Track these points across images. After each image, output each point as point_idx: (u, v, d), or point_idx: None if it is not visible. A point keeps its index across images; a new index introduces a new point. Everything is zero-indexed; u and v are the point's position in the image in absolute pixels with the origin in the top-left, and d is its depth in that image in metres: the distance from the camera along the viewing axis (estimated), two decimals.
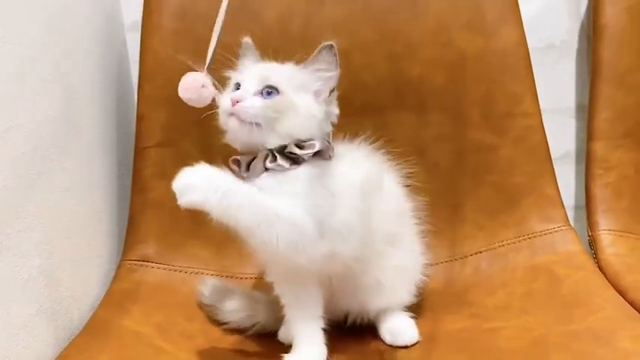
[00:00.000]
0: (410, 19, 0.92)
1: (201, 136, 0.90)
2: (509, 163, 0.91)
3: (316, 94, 0.66)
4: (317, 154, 0.64)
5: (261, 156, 0.64)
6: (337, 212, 0.63)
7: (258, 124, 0.62)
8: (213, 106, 0.66)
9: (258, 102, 0.63)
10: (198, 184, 0.60)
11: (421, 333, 0.74)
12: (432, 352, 0.72)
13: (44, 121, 0.73)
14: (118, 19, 1.03)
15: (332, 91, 0.66)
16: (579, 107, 1.07)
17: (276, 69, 0.66)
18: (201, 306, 0.83)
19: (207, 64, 0.66)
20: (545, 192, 0.90)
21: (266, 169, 0.63)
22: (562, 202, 0.90)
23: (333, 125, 0.67)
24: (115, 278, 0.87)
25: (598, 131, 0.90)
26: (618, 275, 0.79)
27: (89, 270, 0.84)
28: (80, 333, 0.75)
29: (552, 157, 0.93)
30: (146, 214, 0.91)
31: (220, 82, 0.68)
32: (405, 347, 0.73)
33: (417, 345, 0.74)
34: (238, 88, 0.65)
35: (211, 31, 0.89)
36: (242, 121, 0.62)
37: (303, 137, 0.64)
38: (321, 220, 0.61)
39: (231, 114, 0.63)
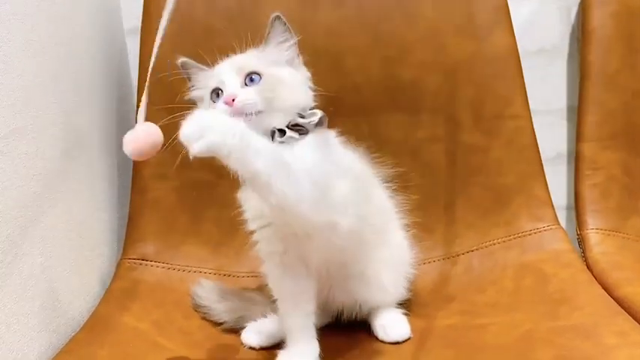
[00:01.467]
0: (403, 24, 0.94)
1: None
2: (499, 164, 0.93)
3: (288, 63, 0.68)
4: (318, 124, 0.65)
5: (269, 135, 0.64)
6: (339, 182, 0.64)
7: (260, 111, 0.63)
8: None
9: (251, 91, 0.64)
10: (215, 126, 0.56)
11: (413, 329, 0.76)
12: (422, 348, 0.74)
13: (46, 124, 0.75)
14: (118, 24, 1.05)
15: (298, 56, 0.69)
16: (571, 109, 1.08)
17: (244, 58, 0.67)
18: (195, 307, 0.85)
19: (145, 88, 0.67)
20: (535, 192, 0.92)
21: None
22: (551, 202, 0.92)
23: (313, 90, 0.69)
24: (115, 276, 0.89)
25: (586, 133, 0.92)
26: (605, 273, 0.81)
27: (90, 268, 0.86)
28: (81, 329, 0.77)
29: (545, 158, 0.95)
30: (145, 214, 0.93)
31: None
32: (397, 343, 0.75)
33: (408, 341, 0.75)
34: (218, 94, 0.65)
35: (208, 34, 0.92)
36: (246, 114, 0.62)
37: (301, 105, 0.66)
38: (327, 184, 0.62)
39: (234, 114, 0.62)
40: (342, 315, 0.78)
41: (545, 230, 0.89)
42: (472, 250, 0.92)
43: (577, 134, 0.93)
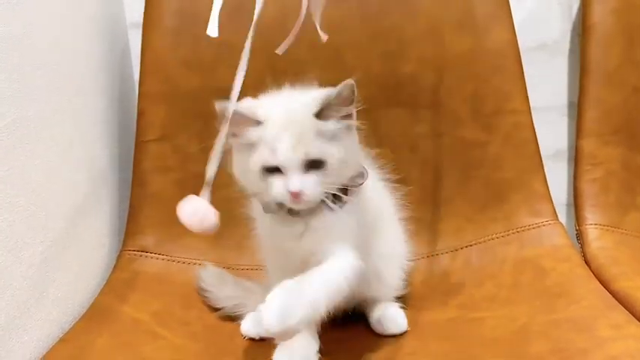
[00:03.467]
0: (403, 19, 0.94)
1: (198, 131, 0.93)
2: (498, 159, 0.93)
3: (347, 129, 0.64)
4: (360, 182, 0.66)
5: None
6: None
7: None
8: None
9: (315, 183, 0.61)
10: (293, 309, 0.58)
11: (410, 322, 0.77)
12: (419, 341, 0.74)
13: (48, 115, 0.76)
14: (121, 18, 1.06)
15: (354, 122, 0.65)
16: (572, 106, 1.08)
17: (303, 130, 0.61)
18: (199, 290, 0.86)
19: (206, 180, 0.65)
20: (534, 187, 0.92)
21: None
22: (550, 197, 0.92)
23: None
24: (116, 267, 0.90)
25: (586, 128, 0.92)
26: (603, 267, 0.81)
27: (91, 258, 0.87)
28: (80, 318, 0.78)
29: (545, 154, 0.95)
30: (145, 206, 0.94)
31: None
32: (394, 336, 0.75)
33: (405, 334, 0.76)
34: (272, 171, 0.61)
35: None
36: (306, 201, 0.61)
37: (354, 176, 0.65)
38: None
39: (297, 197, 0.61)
40: (339, 308, 0.79)
41: (543, 225, 0.90)
42: (471, 245, 0.92)
43: (577, 130, 0.94)
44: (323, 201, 0.62)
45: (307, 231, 0.65)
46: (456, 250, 0.93)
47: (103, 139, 0.94)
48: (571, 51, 1.08)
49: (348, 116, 0.63)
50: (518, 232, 0.90)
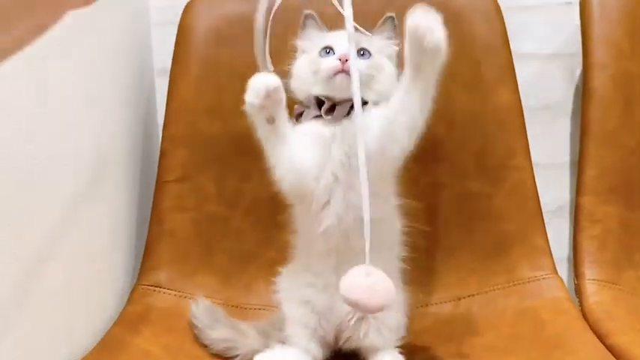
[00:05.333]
0: None
1: (216, 173, 0.98)
2: (502, 212, 0.97)
3: (389, 58, 0.76)
4: None
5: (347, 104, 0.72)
6: None
7: (361, 80, 0.68)
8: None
9: (362, 61, 0.72)
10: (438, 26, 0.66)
11: None
12: None
13: (77, 153, 0.82)
14: (149, 65, 1.13)
15: (397, 57, 0.76)
16: (574, 164, 1.12)
17: (359, 35, 0.73)
18: (191, 326, 0.87)
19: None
20: (535, 241, 0.95)
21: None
22: (550, 252, 0.95)
23: None
24: (130, 300, 0.93)
25: (585, 187, 0.95)
26: (600, 322, 0.83)
27: (106, 291, 0.91)
28: (94, 348, 0.81)
29: (548, 210, 0.99)
30: (161, 243, 0.98)
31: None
32: None
33: None
34: (328, 52, 0.73)
35: (232, 77, 0.98)
36: (349, 76, 0.67)
37: (386, 98, 0.73)
38: None
39: (341, 71, 0.71)
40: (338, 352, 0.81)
41: (543, 278, 0.92)
42: (473, 295, 0.95)
43: (577, 188, 0.97)
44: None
45: (341, 134, 0.72)
46: (459, 300, 0.95)
47: (126, 177, 0.99)
48: (573, 112, 1.13)
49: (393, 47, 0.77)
50: (518, 284, 0.93)
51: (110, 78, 0.95)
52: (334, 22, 0.74)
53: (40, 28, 0.43)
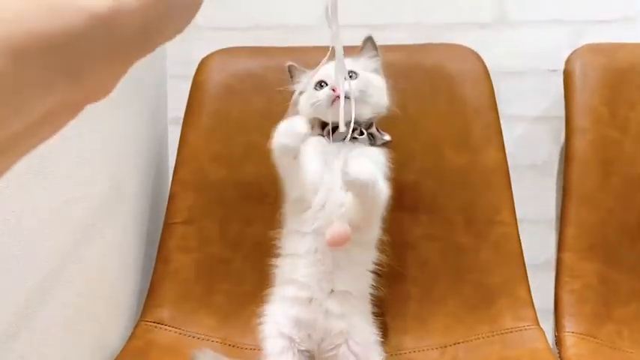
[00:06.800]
0: (407, 135, 1.07)
1: (220, 217, 1.05)
2: (488, 265, 1.03)
3: (375, 71, 0.88)
4: (384, 143, 0.86)
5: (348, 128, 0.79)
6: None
7: (355, 99, 0.79)
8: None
9: (352, 82, 0.82)
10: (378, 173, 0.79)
11: None
12: None
13: (91, 191, 0.88)
14: (162, 114, 1.21)
15: (380, 68, 0.89)
16: (559, 220, 1.19)
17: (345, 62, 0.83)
18: None
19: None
20: (519, 294, 1.01)
21: (353, 139, 0.82)
22: (532, 304, 1.00)
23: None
24: (132, 335, 0.98)
25: (566, 243, 1.01)
26: None
27: (111, 325, 0.96)
28: None
29: (533, 263, 1.05)
30: (165, 282, 1.03)
31: None
32: None
33: None
34: (322, 85, 0.84)
35: (240, 129, 1.06)
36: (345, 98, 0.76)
37: (382, 105, 0.86)
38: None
39: (337, 97, 0.79)
40: None
41: (525, 329, 0.97)
42: (459, 343, 0.99)
43: (558, 244, 1.03)
44: (355, 138, 0.82)
45: (341, 154, 0.82)
46: (445, 347, 1.00)
47: (136, 217, 1.05)
48: (559, 172, 1.20)
49: (377, 62, 0.89)
50: (502, 334, 0.98)
51: (125, 122, 1.03)
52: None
53: None
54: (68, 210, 0.81)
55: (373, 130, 0.86)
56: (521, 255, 1.03)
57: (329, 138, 0.83)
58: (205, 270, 1.05)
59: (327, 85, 0.84)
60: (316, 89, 0.85)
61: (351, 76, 0.84)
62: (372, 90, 0.85)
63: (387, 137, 0.87)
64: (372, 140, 0.86)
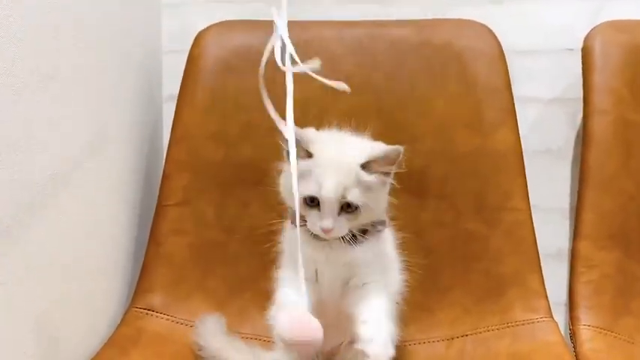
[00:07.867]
0: (416, 115, 1.01)
1: (216, 199, 1.00)
2: (498, 254, 0.97)
3: (382, 184, 0.73)
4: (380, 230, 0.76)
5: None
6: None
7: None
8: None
9: (345, 225, 0.70)
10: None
11: None
12: None
13: (79, 171, 0.83)
14: (157, 91, 1.15)
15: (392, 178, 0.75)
16: (573, 208, 1.12)
17: (347, 173, 0.69)
18: (194, 345, 0.88)
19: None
20: (531, 284, 0.95)
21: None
22: (546, 295, 0.95)
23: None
24: (122, 323, 0.93)
25: (583, 232, 0.95)
26: None
27: (99, 312, 0.91)
28: None
29: (547, 253, 0.99)
30: (158, 266, 0.99)
31: None
32: None
33: None
34: (312, 201, 0.70)
35: (237, 109, 1.00)
36: (333, 237, 0.71)
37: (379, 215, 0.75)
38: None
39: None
40: None
41: (538, 322, 0.92)
42: (466, 335, 0.94)
43: (574, 232, 0.97)
44: (343, 237, 0.71)
45: (328, 256, 0.74)
46: (452, 339, 0.95)
47: (128, 198, 1.00)
48: (574, 157, 1.13)
49: (387, 173, 0.73)
50: (512, 326, 0.92)
51: (116, 99, 0.97)
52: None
53: None
54: (55, 189, 0.76)
55: (368, 226, 0.74)
56: (534, 243, 0.97)
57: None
58: (200, 254, 1.00)
59: (317, 203, 0.70)
60: (307, 203, 0.71)
61: (349, 205, 0.70)
62: (370, 217, 0.73)
63: (385, 224, 0.77)
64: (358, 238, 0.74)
